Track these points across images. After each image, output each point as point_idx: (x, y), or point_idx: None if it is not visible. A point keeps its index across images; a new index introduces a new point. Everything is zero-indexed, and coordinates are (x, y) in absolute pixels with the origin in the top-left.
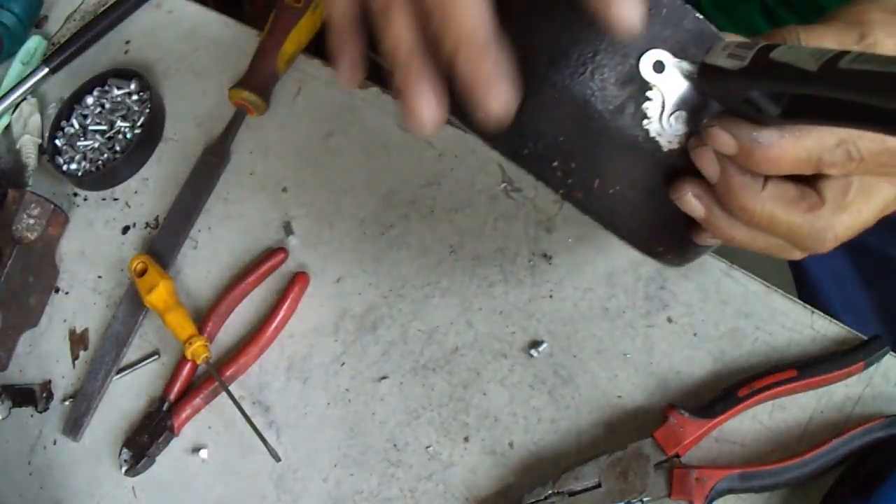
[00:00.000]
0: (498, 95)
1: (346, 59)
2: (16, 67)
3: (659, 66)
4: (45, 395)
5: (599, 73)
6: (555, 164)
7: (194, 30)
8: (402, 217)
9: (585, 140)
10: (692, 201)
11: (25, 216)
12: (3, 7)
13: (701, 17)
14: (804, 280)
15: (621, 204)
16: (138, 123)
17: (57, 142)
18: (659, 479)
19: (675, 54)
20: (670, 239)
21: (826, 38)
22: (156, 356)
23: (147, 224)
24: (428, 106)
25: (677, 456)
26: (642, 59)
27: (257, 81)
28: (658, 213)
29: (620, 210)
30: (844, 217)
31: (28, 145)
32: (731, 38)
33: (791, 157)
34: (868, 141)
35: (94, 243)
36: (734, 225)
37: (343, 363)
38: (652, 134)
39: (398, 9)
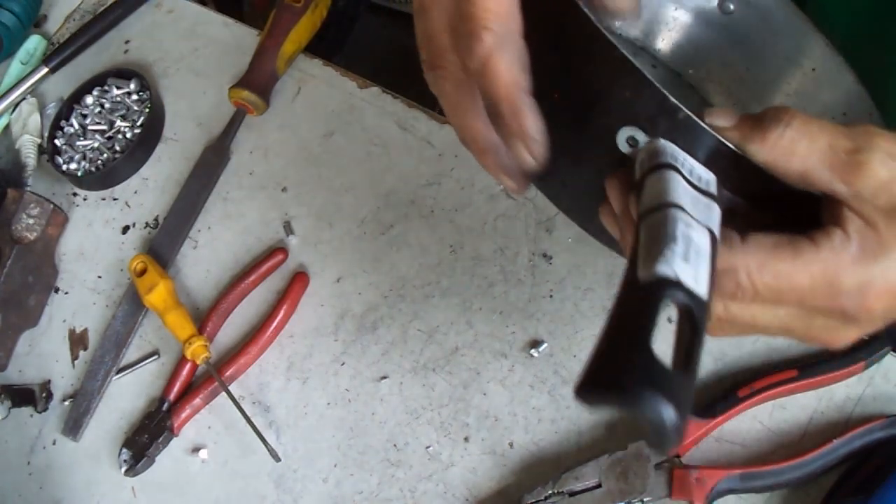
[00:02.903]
0: (525, 151)
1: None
2: (15, 67)
3: (633, 141)
4: (44, 395)
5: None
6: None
7: (194, 29)
8: (402, 217)
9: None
10: (609, 220)
11: (25, 216)
12: (2, 7)
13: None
14: None
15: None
16: (138, 123)
17: (56, 142)
18: (659, 480)
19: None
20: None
21: (822, 137)
22: (155, 356)
23: (147, 224)
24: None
25: (677, 456)
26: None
27: (257, 81)
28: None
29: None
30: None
31: (27, 145)
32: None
33: None
34: (769, 275)
35: (93, 243)
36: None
37: (343, 363)
38: None
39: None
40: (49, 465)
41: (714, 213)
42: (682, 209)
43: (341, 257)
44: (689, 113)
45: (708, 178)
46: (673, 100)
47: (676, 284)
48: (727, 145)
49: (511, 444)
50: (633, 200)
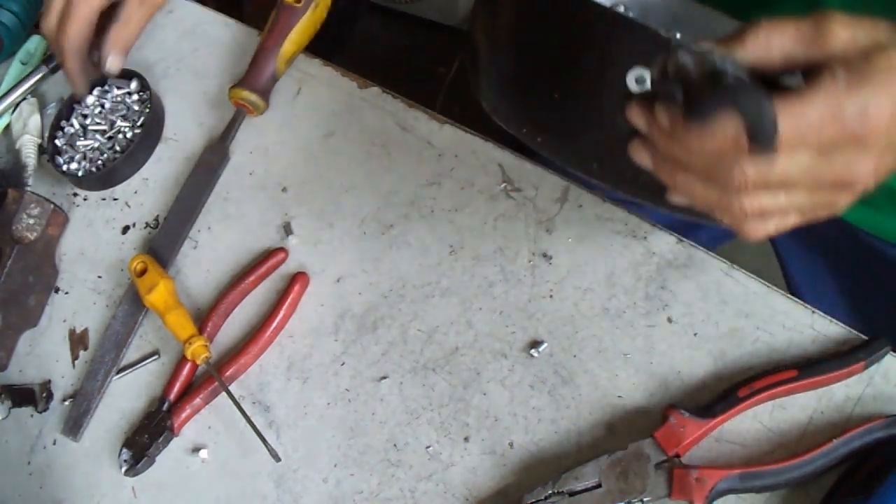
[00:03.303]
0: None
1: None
2: (15, 67)
3: (640, 79)
4: (44, 395)
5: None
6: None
7: (194, 30)
8: (402, 217)
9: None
10: (640, 152)
11: (25, 216)
12: (2, 7)
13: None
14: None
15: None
16: (138, 123)
17: (57, 142)
18: (659, 480)
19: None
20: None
21: (787, 25)
22: (156, 356)
23: (147, 224)
24: None
25: (677, 456)
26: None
27: (257, 81)
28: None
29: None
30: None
31: (28, 145)
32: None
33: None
34: (786, 120)
35: (93, 243)
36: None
37: (343, 363)
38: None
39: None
40: (49, 465)
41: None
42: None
43: (341, 257)
44: (681, 41)
45: None
46: (665, 33)
47: (725, 73)
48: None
49: (511, 444)
50: (660, 107)
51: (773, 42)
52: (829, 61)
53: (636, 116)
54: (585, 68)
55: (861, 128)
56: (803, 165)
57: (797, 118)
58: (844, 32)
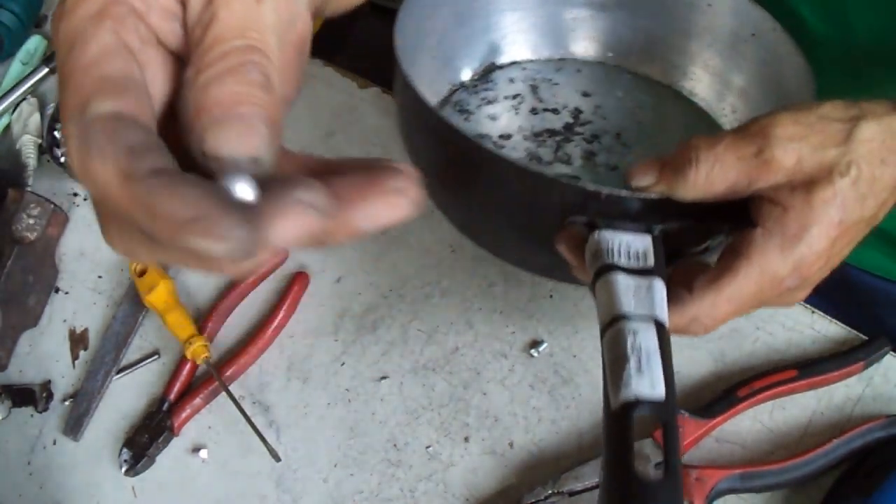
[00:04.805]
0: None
1: None
2: (16, 67)
3: (578, 223)
4: (44, 395)
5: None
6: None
7: None
8: None
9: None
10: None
11: (25, 216)
12: (3, 7)
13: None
14: None
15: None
16: None
17: (56, 133)
18: None
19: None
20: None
21: (728, 155)
22: (156, 356)
23: None
24: None
25: None
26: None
27: None
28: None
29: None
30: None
31: (28, 145)
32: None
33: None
34: (723, 304)
35: (94, 243)
36: None
37: (343, 363)
38: None
39: None
40: (49, 465)
41: (657, 291)
42: (627, 318)
43: (341, 257)
44: (611, 191)
45: (644, 247)
46: (593, 187)
47: (637, 403)
48: (654, 198)
49: (511, 444)
50: (593, 294)
51: (714, 177)
52: (769, 197)
53: (564, 251)
54: (517, 210)
55: (796, 282)
56: (742, 313)
57: (736, 300)
58: (788, 159)
